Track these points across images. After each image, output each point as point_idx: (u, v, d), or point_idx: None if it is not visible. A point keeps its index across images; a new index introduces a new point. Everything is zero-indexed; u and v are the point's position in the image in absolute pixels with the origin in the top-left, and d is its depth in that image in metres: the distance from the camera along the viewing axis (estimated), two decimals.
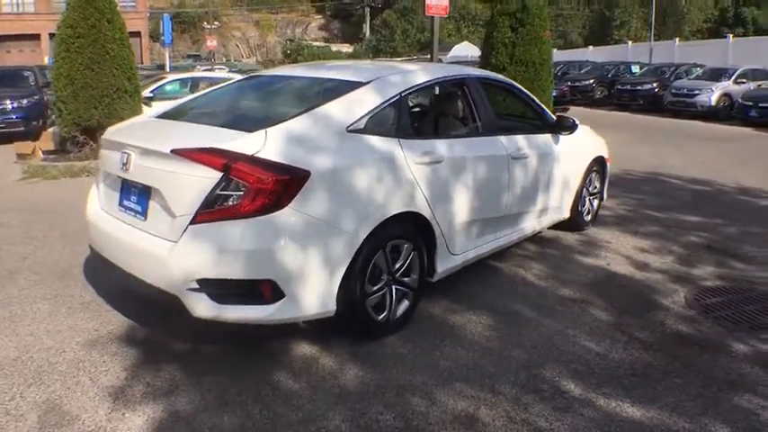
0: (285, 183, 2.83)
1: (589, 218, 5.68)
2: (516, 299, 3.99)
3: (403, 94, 3.63)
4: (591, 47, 35.09)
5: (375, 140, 3.31)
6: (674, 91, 19.13)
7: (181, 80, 12.22)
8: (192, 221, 2.86)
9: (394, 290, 3.36)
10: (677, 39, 29.23)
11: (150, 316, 3.62)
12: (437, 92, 4.64)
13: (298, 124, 3.15)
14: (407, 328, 3.48)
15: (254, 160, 2.85)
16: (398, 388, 2.91)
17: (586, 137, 5.56)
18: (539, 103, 5.02)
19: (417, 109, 5.04)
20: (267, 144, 2.93)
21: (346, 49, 50.63)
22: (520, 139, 4.43)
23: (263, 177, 2.79)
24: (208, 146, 2.92)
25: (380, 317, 3.30)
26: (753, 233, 5.75)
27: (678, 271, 4.68)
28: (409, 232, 3.40)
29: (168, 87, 11.84)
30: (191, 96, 4.50)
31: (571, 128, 4.91)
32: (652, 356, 3.30)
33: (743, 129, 15.72)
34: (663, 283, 4.41)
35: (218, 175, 2.81)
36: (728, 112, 17.82)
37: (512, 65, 10.96)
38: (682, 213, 6.42)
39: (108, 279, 4.00)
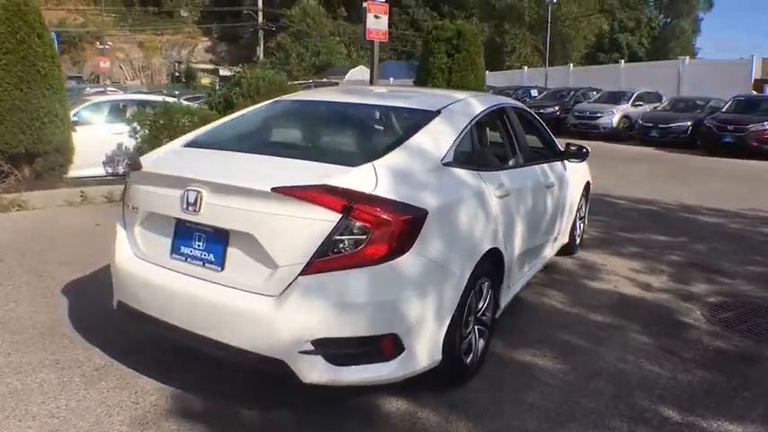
0: (410, 224, 2.61)
1: (578, 241, 5.95)
2: (560, 329, 4.09)
3: (473, 123, 3.55)
4: (487, 71, 36.70)
5: (464, 174, 3.21)
6: (576, 113, 20.48)
7: (106, 103, 10.87)
8: (303, 272, 2.54)
9: (476, 330, 3.29)
10: (571, 64, 31.29)
11: (191, 376, 3.24)
12: (488, 120, 4.32)
13: (398, 158, 2.92)
14: (482, 369, 3.43)
15: (373, 199, 2.59)
16: None
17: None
18: (548, 129, 5.20)
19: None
20: (379, 180, 2.68)
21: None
22: (547, 168, 4.58)
23: (389, 219, 2.55)
24: (320, 183, 2.59)
25: (468, 360, 3.20)
26: (720, 250, 6.26)
27: (678, 289, 4.99)
28: (488, 269, 3.31)
29: (87, 111, 10.52)
30: (221, 122, 3.91)
31: (583, 156, 5.01)
32: (711, 374, 3.50)
33: (644, 148, 17.11)
34: (674, 301, 4.70)
35: (336, 216, 2.51)
36: (628, 132, 19.33)
37: (449, 90, 11.32)
38: (648, 233, 6.87)
39: (112, 335, 3.66)
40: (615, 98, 20.65)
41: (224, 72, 47.90)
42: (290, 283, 2.56)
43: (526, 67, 34.32)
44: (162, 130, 8.87)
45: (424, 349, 2.77)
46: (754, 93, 19.88)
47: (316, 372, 2.58)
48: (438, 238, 2.75)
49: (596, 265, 5.60)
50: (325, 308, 2.54)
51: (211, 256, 2.79)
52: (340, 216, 2.51)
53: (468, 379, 3.24)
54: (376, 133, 3.69)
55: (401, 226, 2.57)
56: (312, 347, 2.55)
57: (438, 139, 3.21)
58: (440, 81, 11.28)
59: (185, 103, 9.64)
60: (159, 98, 10.43)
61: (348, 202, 2.52)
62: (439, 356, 2.86)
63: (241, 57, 53.69)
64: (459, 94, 3.96)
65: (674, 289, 5.00)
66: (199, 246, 2.84)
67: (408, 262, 2.61)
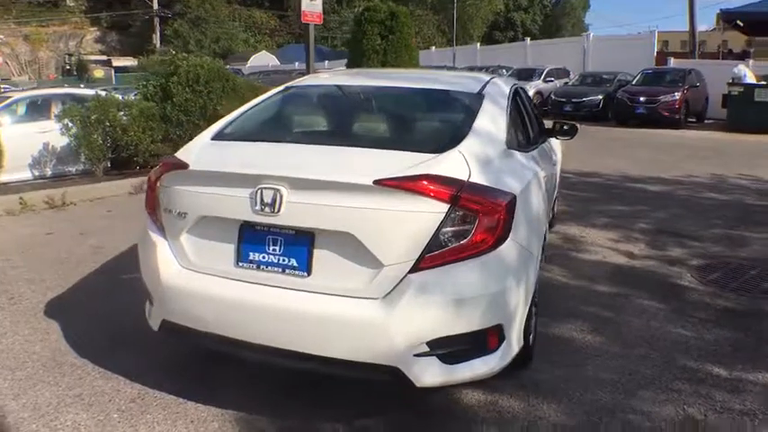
0: (510, 210, 2.54)
1: (553, 215, 6.15)
2: (578, 302, 4.23)
3: (510, 105, 3.53)
4: None
5: (520, 156, 3.23)
6: None
7: (25, 99, 9.84)
8: (413, 269, 2.39)
9: (533, 310, 3.23)
10: (477, 43, 32.02)
11: (246, 395, 2.96)
12: (513, 101, 4.06)
13: (473, 143, 2.81)
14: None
15: (475, 187, 2.48)
16: (605, 410, 2.89)
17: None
18: (536, 107, 5.29)
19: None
20: (471, 167, 2.57)
21: (131, 62, 47.26)
22: (548, 146, 4.68)
23: (495, 205, 2.46)
24: (425, 172, 2.45)
25: (531, 341, 3.16)
26: (679, 215, 6.71)
27: (660, 255, 5.30)
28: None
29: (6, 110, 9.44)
30: (248, 112, 3.45)
31: (572, 133, 4.85)
32: (729, 332, 3.75)
33: None
34: (663, 267, 4.98)
35: (444, 207, 2.38)
36: (542, 108, 20.06)
37: None
38: (609, 205, 7.24)
39: (130, 359, 3.31)
40: (527, 75, 21.35)
41: (118, 63, 45.26)
42: (399, 283, 2.40)
43: (434, 47, 34.75)
44: (96, 126, 8.32)
45: (515, 336, 2.72)
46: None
47: (430, 374, 2.45)
48: (522, 222, 2.70)
49: (576, 237, 5.82)
50: (440, 305, 2.41)
51: (293, 260, 2.54)
52: (448, 206, 2.39)
53: (531, 360, 3.24)
54: (433, 118, 3.55)
55: (504, 212, 2.50)
56: (427, 349, 2.42)
57: (496, 122, 3.16)
58: (375, 63, 11.26)
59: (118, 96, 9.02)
60: (89, 92, 9.68)
61: (456, 191, 2.41)
62: (522, 342, 2.82)
63: (133, 46, 50.92)
64: (480, 75, 3.98)
65: (657, 255, 5.29)
66: (275, 251, 2.57)
67: (508, 248, 2.55)
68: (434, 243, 2.40)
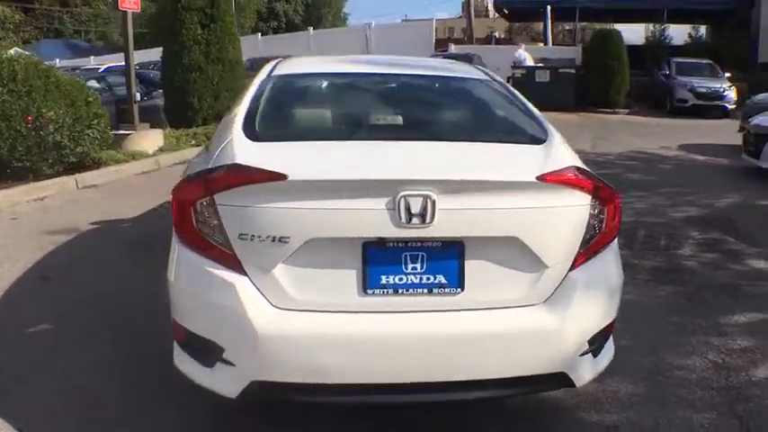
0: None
1: None
2: None
3: None
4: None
5: None
6: None
7: None
8: (572, 267, 2.27)
9: None
10: (259, 33, 31.26)
11: None
12: None
13: (555, 132, 2.76)
14: None
15: (598, 177, 2.42)
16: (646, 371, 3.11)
17: None
18: None
19: None
20: (571, 155, 2.53)
21: None
22: None
23: (614, 195, 2.40)
24: (572, 165, 2.36)
25: None
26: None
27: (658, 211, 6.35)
28: None
29: None
30: (252, 110, 2.81)
31: None
32: (674, 287, 4.33)
33: None
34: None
35: (588, 199, 2.29)
36: None
37: (209, 64, 10.62)
38: None
39: None
40: None
41: None
42: (561, 283, 2.26)
43: None
44: None
45: None
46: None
47: (588, 372, 2.37)
48: None
49: None
50: (599, 299, 2.35)
51: (441, 277, 2.20)
52: (590, 198, 2.30)
53: None
54: (483, 107, 3.30)
55: (619, 201, 2.47)
56: (587, 346, 2.33)
57: (533, 108, 3.11)
58: (196, 54, 10.46)
59: None
60: None
61: (595, 182, 2.34)
62: None
63: None
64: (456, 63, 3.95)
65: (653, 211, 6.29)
66: (415, 269, 2.19)
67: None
68: (585, 237, 2.31)
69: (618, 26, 22.64)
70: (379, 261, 2.19)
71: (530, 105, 3.13)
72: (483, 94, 3.32)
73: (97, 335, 3.44)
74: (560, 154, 2.52)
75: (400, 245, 2.19)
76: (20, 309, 3.82)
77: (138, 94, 9.28)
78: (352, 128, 2.98)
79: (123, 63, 9.55)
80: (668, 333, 3.57)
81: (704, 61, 18.10)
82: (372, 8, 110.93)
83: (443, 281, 2.21)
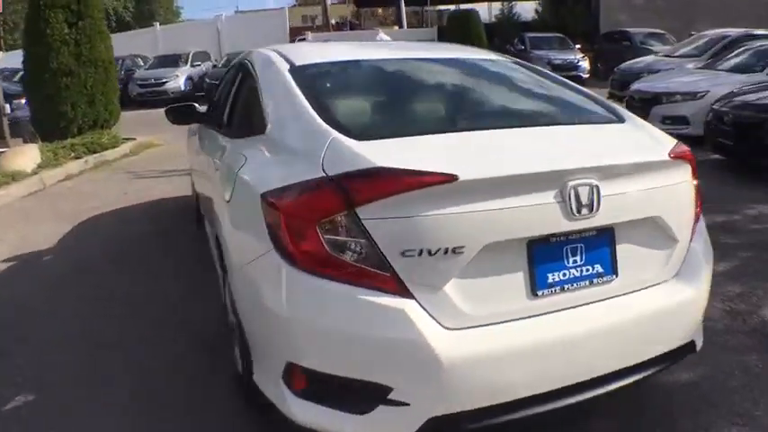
0: None
1: None
2: None
3: None
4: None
5: None
6: (140, 82, 19.43)
7: None
8: (691, 239, 2.33)
9: None
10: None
11: None
12: None
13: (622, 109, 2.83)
14: None
15: None
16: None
17: None
18: None
19: None
20: (658, 129, 2.59)
21: None
22: None
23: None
24: (676, 141, 2.39)
25: None
26: None
27: None
28: None
29: None
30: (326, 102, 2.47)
31: None
32: None
33: None
34: None
35: (691, 171, 2.35)
36: (195, 93, 19.40)
37: (80, 66, 9.51)
38: None
39: None
40: (173, 61, 20.25)
41: None
42: (685, 256, 2.30)
43: None
44: None
45: None
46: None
47: (701, 335, 2.45)
48: None
49: None
50: (708, 265, 2.42)
51: (597, 266, 2.10)
52: (692, 169, 2.37)
53: None
54: (544, 89, 3.04)
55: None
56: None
57: None
58: (65, 56, 9.25)
59: None
60: None
61: (691, 156, 2.37)
62: None
63: None
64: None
65: None
66: (576, 262, 2.06)
67: None
68: (695, 208, 2.38)
69: (463, 7, 23.66)
70: (544, 259, 2.02)
71: (568, 81, 3.10)
72: (529, 75, 3.18)
73: None
74: (655, 130, 2.54)
75: (562, 239, 2.04)
76: None
77: (7, 106, 8.07)
78: (446, 118, 2.71)
79: None
80: None
81: (556, 35, 19.46)
82: (203, 2, 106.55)
83: (600, 270, 2.12)
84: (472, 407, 1.93)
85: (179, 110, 4.49)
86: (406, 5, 27.52)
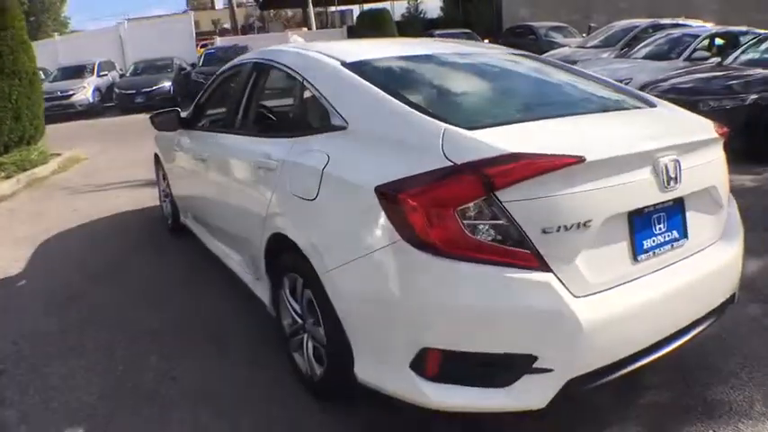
0: None
1: None
2: None
3: None
4: None
5: None
6: (45, 96, 18.20)
7: None
8: (729, 204, 2.72)
9: None
10: None
11: None
12: None
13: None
14: None
15: None
16: None
17: None
18: None
19: None
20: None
21: None
22: None
23: None
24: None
25: None
26: None
27: None
28: None
29: None
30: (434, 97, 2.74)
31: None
32: None
33: (141, 115, 16.38)
34: None
35: (721, 145, 2.68)
36: (102, 105, 18.60)
37: (4, 79, 8.92)
38: None
39: None
40: (77, 72, 19.19)
41: None
42: (727, 220, 2.66)
43: None
44: None
45: None
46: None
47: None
48: None
49: None
50: (740, 224, 2.80)
51: (675, 231, 2.40)
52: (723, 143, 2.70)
53: None
54: (575, 79, 3.20)
55: None
56: None
57: None
58: None
59: None
60: None
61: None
62: None
63: None
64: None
65: None
66: (660, 229, 2.35)
67: None
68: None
69: (367, 7, 23.93)
70: (639, 228, 2.29)
71: (593, 73, 3.40)
72: (564, 67, 3.43)
73: None
74: (687, 112, 2.84)
75: (651, 210, 2.32)
76: None
77: None
78: (530, 106, 2.85)
79: None
80: None
81: (464, 31, 20.10)
82: (90, 11, 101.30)
83: (676, 235, 2.42)
84: (601, 365, 2.14)
85: (165, 115, 4.51)
86: (317, 7, 27.51)
